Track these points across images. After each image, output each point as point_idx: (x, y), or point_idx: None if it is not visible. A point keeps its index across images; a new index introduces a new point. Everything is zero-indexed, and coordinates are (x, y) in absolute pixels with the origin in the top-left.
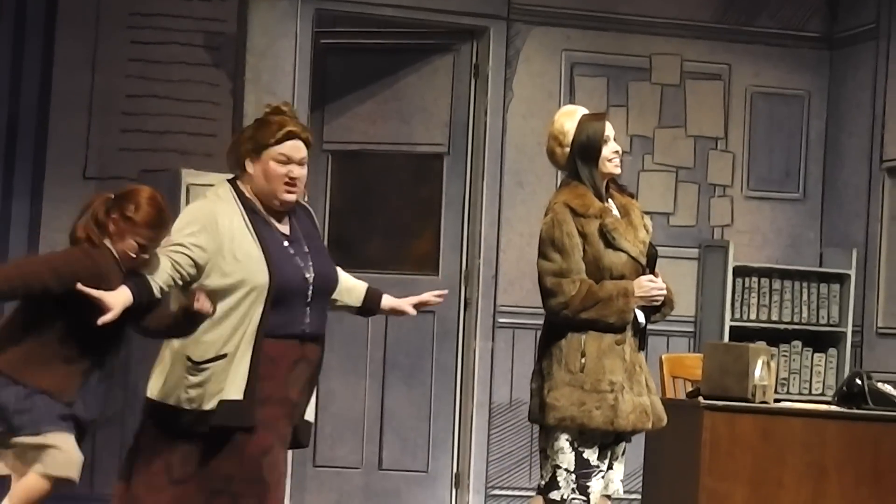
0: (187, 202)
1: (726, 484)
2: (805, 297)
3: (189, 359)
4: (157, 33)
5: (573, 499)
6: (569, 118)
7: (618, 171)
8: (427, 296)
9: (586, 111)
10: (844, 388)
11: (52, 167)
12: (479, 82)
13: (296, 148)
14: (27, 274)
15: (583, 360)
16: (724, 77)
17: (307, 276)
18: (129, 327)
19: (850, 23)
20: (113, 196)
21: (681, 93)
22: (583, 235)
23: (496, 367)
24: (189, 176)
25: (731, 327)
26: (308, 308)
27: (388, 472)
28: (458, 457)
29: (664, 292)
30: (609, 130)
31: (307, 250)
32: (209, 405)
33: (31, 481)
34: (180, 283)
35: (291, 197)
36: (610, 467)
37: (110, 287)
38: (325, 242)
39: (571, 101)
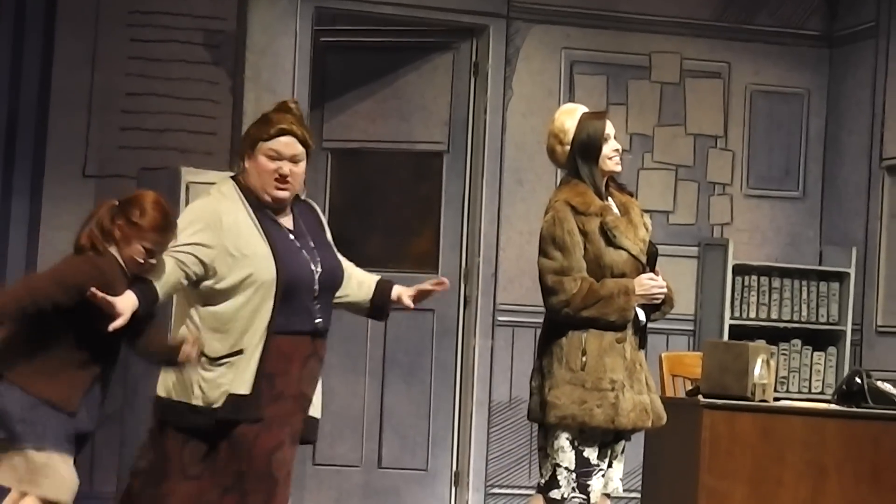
0: (187, 200)
1: (726, 482)
2: (804, 295)
3: (204, 354)
4: (157, 31)
5: (573, 497)
6: (569, 116)
7: (618, 169)
8: (426, 284)
9: (586, 109)
10: (844, 386)
11: (52, 165)
12: (479, 80)
13: (287, 144)
14: (35, 291)
15: (584, 359)
16: (724, 75)
17: (314, 269)
18: (127, 345)
19: (849, 21)
20: (117, 202)
21: (680, 91)
22: (584, 233)
23: (496, 365)
24: (189, 174)
25: (730, 326)
26: (318, 303)
27: (388, 470)
28: (457, 455)
29: (664, 291)
30: (609, 129)
31: (313, 245)
32: (219, 401)
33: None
34: (186, 282)
35: (282, 194)
36: (610, 466)
37: (116, 294)
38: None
39: (571, 99)
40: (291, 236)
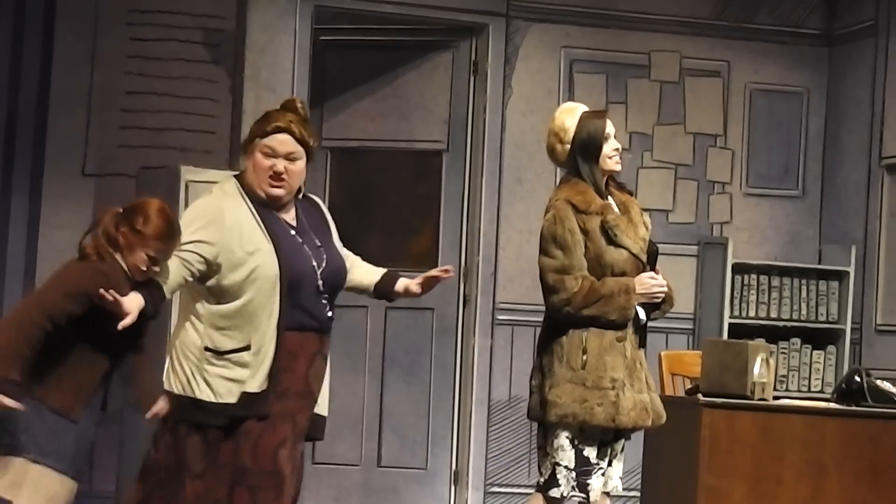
0: (187, 199)
1: (725, 481)
2: (804, 294)
3: (207, 349)
4: (157, 30)
5: (572, 496)
6: (569, 115)
7: (618, 168)
8: (433, 271)
9: (587, 108)
10: (843, 385)
11: (52, 164)
12: (479, 79)
13: (283, 142)
14: (48, 309)
15: (584, 357)
16: (723, 74)
17: (315, 265)
18: (130, 346)
19: (848, 19)
20: (121, 209)
21: (680, 90)
22: (584, 232)
23: (495, 363)
24: (188, 173)
25: (730, 324)
26: (325, 297)
27: (387, 468)
28: (456, 454)
29: (665, 289)
30: (610, 128)
31: (318, 243)
32: (231, 398)
33: None
34: (190, 279)
35: (276, 192)
36: (609, 464)
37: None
38: None
39: (570, 98)
40: (293, 233)
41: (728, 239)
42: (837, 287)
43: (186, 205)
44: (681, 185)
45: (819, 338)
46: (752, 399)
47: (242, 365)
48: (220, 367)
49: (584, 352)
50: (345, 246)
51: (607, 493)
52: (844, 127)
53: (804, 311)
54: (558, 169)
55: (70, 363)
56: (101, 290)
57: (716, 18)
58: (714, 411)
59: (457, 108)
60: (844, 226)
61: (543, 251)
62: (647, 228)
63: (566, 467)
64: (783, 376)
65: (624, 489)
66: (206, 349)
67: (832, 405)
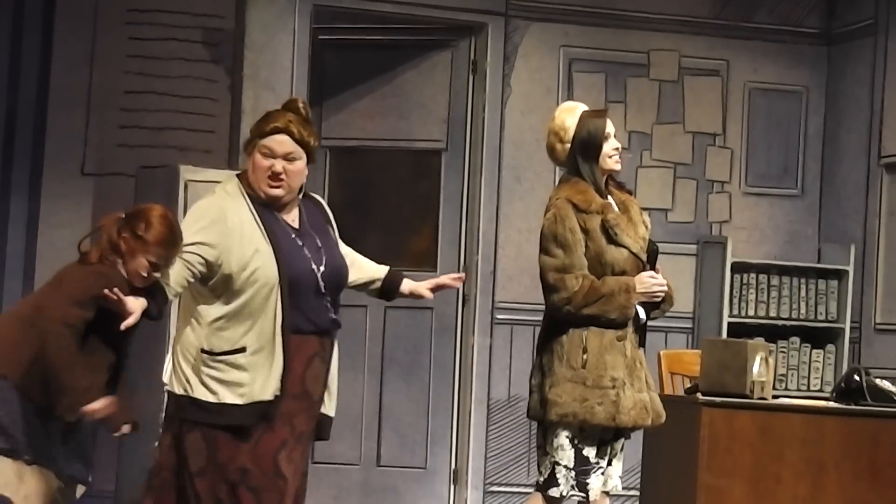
0: (186, 198)
1: (725, 480)
2: (803, 293)
3: (203, 350)
4: (156, 29)
5: (572, 495)
6: (569, 114)
7: (618, 167)
8: (445, 279)
9: (586, 107)
10: (843, 384)
11: (51, 163)
12: (478, 78)
13: (281, 142)
14: (70, 322)
15: (584, 357)
16: (723, 73)
17: (314, 268)
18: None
19: (848, 18)
20: (124, 215)
21: (679, 89)
22: (585, 231)
23: (494, 363)
24: (187, 172)
25: (729, 323)
26: (327, 299)
27: (387, 468)
28: (456, 453)
29: (665, 289)
30: (610, 127)
31: (319, 244)
32: (229, 398)
33: None
34: (193, 280)
35: (274, 192)
36: (609, 464)
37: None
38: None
39: (569, 97)
40: (294, 235)
41: (727, 238)
42: (837, 286)
43: (186, 204)
44: (680, 185)
45: (818, 337)
46: (752, 398)
47: (237, 367)
48: (214, 369)
49: (585, 351)
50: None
51: (607, 493)
52: (844, 126)
53: (803, 310)
54: (557, 168)
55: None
56: (106, 292)
57: (715, 17)
58: (713, 410)
59: (456, 107)
60: (844, 225)
61: (544, 250)
62: (646, 228)
63: (566, 466)
64: (782, 375)
65: (623, 488)
66: (202, 351)
67: (831, 404)
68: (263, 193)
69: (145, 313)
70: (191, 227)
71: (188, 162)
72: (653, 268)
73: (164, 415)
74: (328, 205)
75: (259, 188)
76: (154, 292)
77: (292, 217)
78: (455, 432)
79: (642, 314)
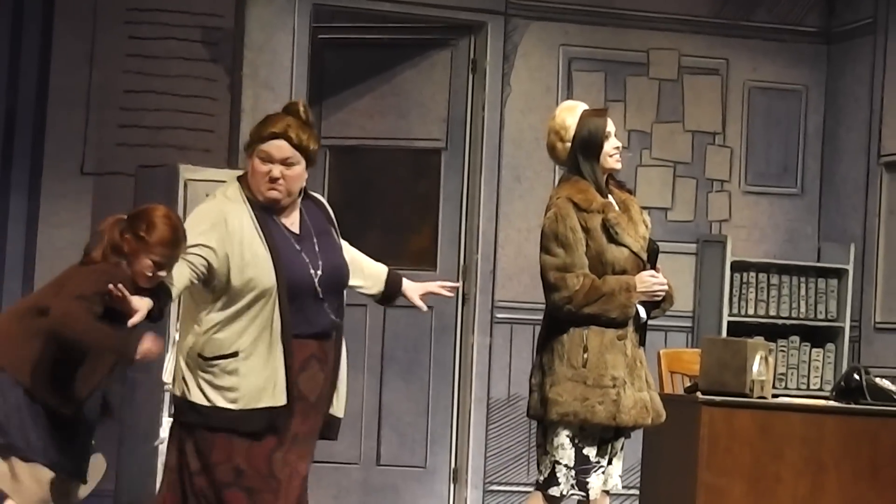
0: (185, 198)
1: (724, 479)
2: (803, 291)
3: (200, 355)
4: (155, 28)
5: (572, 494)
6: (570, 113)
7: (619, 166)
8: (434, 286)
9: (587, 106)
10: (842, 383)
11: (50, 163)
12: (477, 77)
13: (279, 148)
14: (86, 326)
15: (585, 356)
16: (722, 72)
17: (313, 273)
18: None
19: (847, 17)
20: (126, 216)
21: (678, 88)
22: (585, 230)
23: (494, 362)
24: (187, 171)
25: (728, 322)
26: (325, 303)
27: (386, 467)
28: (456, 452)
29: (665, 288)
30: (610, 126)
31: (317, 247)
32: (221, 403)
33: None
34: (196, 282)
35: (274, 195)
36: (609, 463)
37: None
38: None
39: (569, 96)
40: (292, 240)
41: (727, 237)
42: (836, 285)
43: (185, 203)
44: (679, 183)
45: (818, 336)
46: (751, 397)
47: (230, 373)
48: (208, 373)
49: (585, 350)
50: None
51: (607, 492)
52: (843, 125)
53: (803, 309)
54: (557, 167)
55: (74, 363)
56: (111, 287)
57: (714, 16)
58: (713, 409)
59: (455, 106)
60: (843, 223)
61: (545, 249)
62: (646, 227)
63: (566, 466)
64: (782, 374)
65: (623, 487)
66: (199, 355)
67: (831, 403)
68: (262, 197)
69: (148, 314)
70: (192, 231)
71: (188, 161)
72: (653, 267)
73: (164, 414)
74: (328, 203)
75: (258, 192)
76: (158, 293)
77: (292, 220)
78: (455, 431)
79: (643, 313)
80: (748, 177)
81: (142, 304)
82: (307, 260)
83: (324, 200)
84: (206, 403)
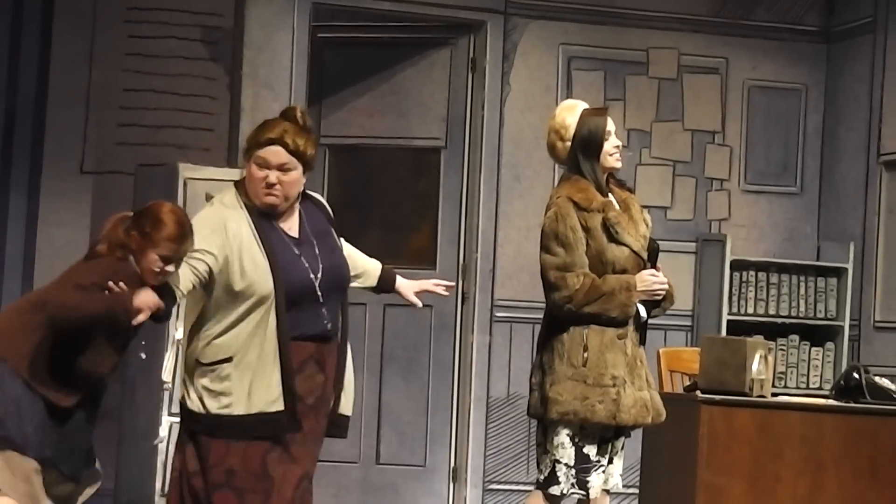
0: (185, 196)
1: (724, 478)
2: (802, 290)
3: (198, 361)
4: (155, 28)
5: (572, 493)
6: (570, 112)
7: (619, 165)
8: (429, 284)
9: (587, 105)
10: (842, 381)
11: (50, 162)
12: (477, 76)
13: (275, 153)
14: (73, 294)
15: (585, 355)
16: (722, 71)
17: (313, 277)
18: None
19: (847, 16)
20: (131, 214)
21: (678, 87)
22: (586, 229)
23: (493, 361)
24: (186, 170)
25: (728, 321)
26: (323, 308)
27: (386, 466)
28: (455, 451)
29: (665, 287)
30: (610, 125)
31: (317, 251)
32: (221, 408)
33: None
34: (198, 285)
35: (271, 200)
36: (610, 462)
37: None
38: None
39: (569, 95)
40: (292, 244)
41: (726, 236)
42: (836, 284)
43: (185, 202)
44: (679, 182)
45: (817, 334)
46: (751, 396)
47: (225, 378)
48: (205, 378)
49: (585, 349)
50: None
51: (607, 491)
52: (843, 124)
53: (802, 308)
54: (557, 166)
55: (73, 360)
56: (111, 284)
57: (714, 15)
58: (712, 408)
59: (455, 105)
60: (843, 222)
61: (545, 248)
62: (647, 226)
63: (566, 465)
64: (781, 373)
65: (623, 486)
66: (197, 360)
67: (831, 402)
68: (259, 203)
69: (154, 315)
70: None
71: (187, 160)
72: (653, 266)
73: (164, 414)
74: (327, 203)
75: (255, 198)
76: (163, 294)
77: (290, 224)
78: (454, 430)
79: (643, 312)
80: (748, 176)
81: (150, 301)
82: (307, 264)
83: (323, 200)
84: (201, 411)
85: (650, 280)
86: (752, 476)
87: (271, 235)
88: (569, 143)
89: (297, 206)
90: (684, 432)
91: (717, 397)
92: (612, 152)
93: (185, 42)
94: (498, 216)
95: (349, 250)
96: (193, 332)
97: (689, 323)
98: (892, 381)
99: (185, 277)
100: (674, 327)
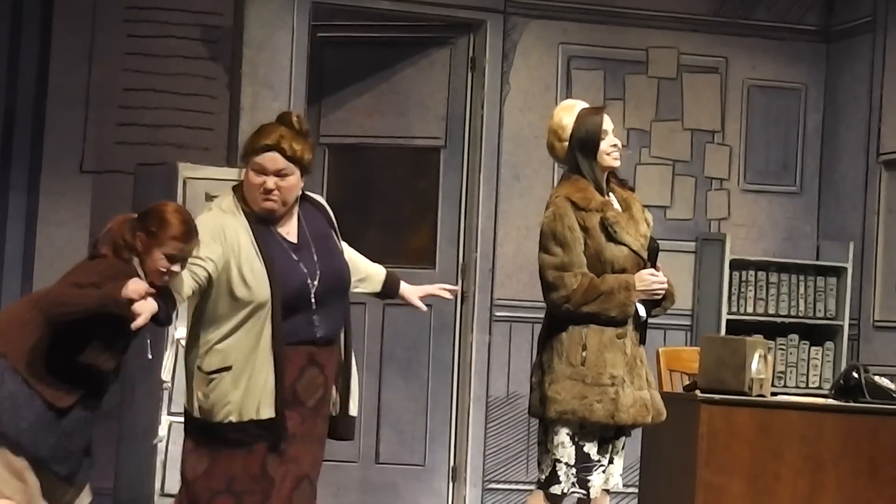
0: (184, 196)
1: (723, 477)
2: (802, 290)
3: (200, 368)
4: (154, 27)
5: (573, 492)
6: (567, 113)
7: (617, 164)
8: (434, 289)
9: (586, 105)
10: (841, 381)
11: (49, 161)
12: (476, 75)
13: (272, 159)
14: (69, 290)
15: (584, 354)
16: (721, 70)
17: (310, 282)
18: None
19: (846, 16)
20: (136, 215)
21: (677, 86)
22: (584, 229)
23: (493, 360)
24: (186, 170)
25: (727, 321)
26: (315, 315)
27: (386, 465)
28: (454, 450)
29: (665, 286)
30: (607, 124)
31: (315, 256)
32: (220, 417)
33: None
34: (197, 292)
35: (269, 205)
36: (610, 462)
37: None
38: None
39: (568, 94)
40: (290, 249)
41: (726, 235)
42: (835, 283)
43: (184, 202)
44: (678, 182)
45: (817, 334)
46: (750, 395)
47: (223, 385)
48: (206, 386)
49: (584, 348)
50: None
51: (607, 491)
52: (842, 123)
53: (802, 308)
54: (556, 165)
55: (72, 360)
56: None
57: (713, 15)
58: (712, 408)
59: (454, 104)
60: (842, 222)
61: (543, 248)
62: (648, 225)
63: (566, 464)
64: (781, 372)
65: (622, 485)
66: (199, 369)
67: (830, 401)
68: (257, 208)
69: (154, 318)
70: None
71: (187, 159)
72: (653, 265)
73: (163, 413)
74: (327, 202)
75: (253, 203)
76: (164, 298)
77: (289, 229)
78: (454, 429)
79: (642, 312)
80: (747, 175)
81: (145, 307)
82: (305, 269)
83: (323, 202)
84: (202, 418)
85: (649, 280)
86: (752, 475)
87: (269, 241)
88: (566, 144)
89: (295, 209)
90: (684, 432)
91: (717, 397)
92: (609, 151)
93: (185, 41)
94: (497, 215)
95: (351, 254)
96: (193, 338)
97: (688, 322)
98: (892, 381)
99: (186, 283)
100: (673, 327)
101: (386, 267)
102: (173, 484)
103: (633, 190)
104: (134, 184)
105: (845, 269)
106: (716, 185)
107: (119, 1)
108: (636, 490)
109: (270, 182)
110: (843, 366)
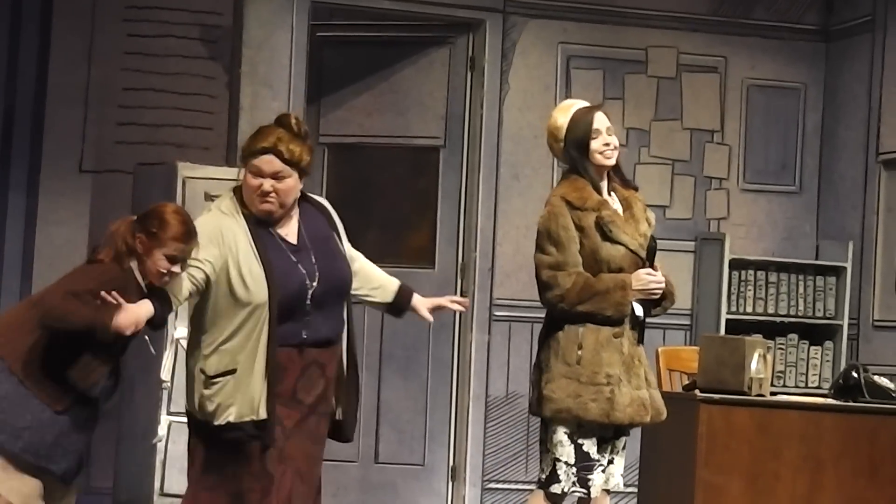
0: (184, 195)
1: (723, 477)
2: (801, 289)
3: (203, 372)
4: (154, 26)
5: (573, 492)
6: (563, 113)
7: (609, 162)
8: (444, 301)
9: (585, 105)
10: (841, 380)
11: (49, 160)
12: (476, 75)
13: (269, 162)
14: (65, 297)
15: (580, 353)
16: (721, 69)
17: (308, 284)
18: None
19: (846, 15)
20: (136, 217)
21: (677, 85)
22: (580, 228)
23: (492, 359)
24: (185, 169)
25: (727, 320)
26: (310, 317)
27: (385, 465)
28: (454, 450)
29: (662, 285)
30: (599, 123)
31: (314, 258)
32: (221, 419)
33: None
34: (195, 294)
35: (266, 207)
36: (611, 461)
37: (130, 302)
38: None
39: (567, 93)
40: (289, 251)
41: (725, 234)
42: (835, 283)
43: (184, 201)
44: (678, 181)
45: (816, 333)
46: (750, 395)
47: (223, 387)
48: (208, 389)
49: (580, 347)
50: None
51: (607, 490)
52: (842, 122)
53: (801, 307)
54: (555, 164)
55: (70, 362)
56: (104, 294)
57: (713, 14)
58: (711, 407)
59: (454, 103)
60: (842, 221)
61: (538, 248)
62: (649, 224)
63: (566, 463)
64: (780, 372)
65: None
66: (202, 372)
67: (829, 401)
68: (256, 210)
69: (149, 321)
70: None
71: (186, 159)
72: (651, 264)
73: (163, 413)
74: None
75: (251, 206)
76: (161, 300)
77: (288, 230)
78: (453, 429)
79: (639, 311)
80: (747, 174)
81: (141, 313)
82: (304, 271)
83: (325, 203)
84: (201, 419)
85: (646, 279)
86: (751, 475)
87: (268, 243)
88: (562, 144)
89: (295, 211)
90: (683, 431)
91: (716, 396)
92: (600, 150)
93: (185, 41)
94: (497, 215)
95: (363, 263)
96: (195, 341)
97: (687, 322)
98: (891, 380)
99: (183, 286)
100: (672, 326)
101: (385, 266)
102: (172, 483)
103: (636, 189)
104: (133, 183)
105: (845, 268)
106: (715, 184)
107: (118, 0)
108: (636, 490)
109: (267, 184)
110: (843, 365)
